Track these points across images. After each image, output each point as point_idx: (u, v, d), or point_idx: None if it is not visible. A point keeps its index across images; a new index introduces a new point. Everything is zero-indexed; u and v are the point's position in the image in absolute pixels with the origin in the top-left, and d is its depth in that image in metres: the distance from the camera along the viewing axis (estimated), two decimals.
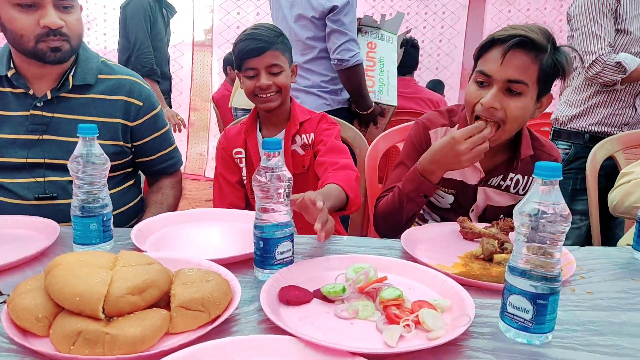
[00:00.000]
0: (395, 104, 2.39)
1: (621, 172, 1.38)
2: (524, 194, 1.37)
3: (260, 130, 1.54)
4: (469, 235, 1.12)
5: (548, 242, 0.66)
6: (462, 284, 0.83)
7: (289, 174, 0.84)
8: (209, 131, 5.39)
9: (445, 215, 1.39)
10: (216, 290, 0.74)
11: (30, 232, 1.09)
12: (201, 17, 5.19)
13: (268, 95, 1.43)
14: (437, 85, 4.64)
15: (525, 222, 0.67)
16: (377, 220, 1.33)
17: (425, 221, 1.46)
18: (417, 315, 0.72)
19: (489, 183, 1.33)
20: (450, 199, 1.36)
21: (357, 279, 0.82)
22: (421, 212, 1.44)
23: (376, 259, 0.94)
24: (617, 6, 1.81)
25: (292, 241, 0.90)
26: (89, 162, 0.95)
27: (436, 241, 1.11)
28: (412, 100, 2.85)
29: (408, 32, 2.93)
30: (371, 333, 0.72)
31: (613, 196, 1.34)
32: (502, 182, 1.34)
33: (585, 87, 1.93)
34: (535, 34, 1.11)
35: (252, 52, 1.39)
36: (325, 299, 0.81)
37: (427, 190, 1.20)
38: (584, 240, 1.91)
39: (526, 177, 1.34)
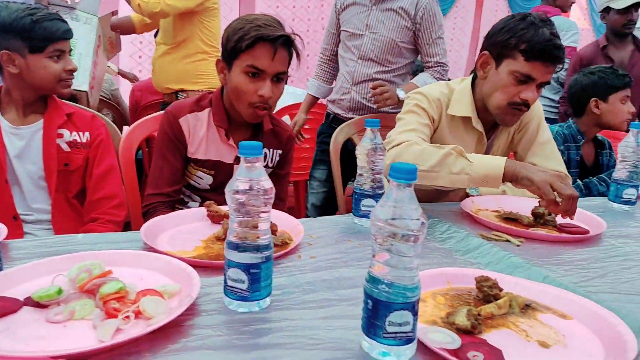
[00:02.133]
0: (86, 88, 2.30)
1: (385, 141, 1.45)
2: (272, 167, 1.50)
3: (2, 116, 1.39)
4: (215, 218, 1.15)
5: (254, 215, 0.72)
6: (197, 266, 0.85)
7: None
8: None
9: (205, 196, 1.42)
10: None
11: None
12: None
13: (70, 80, 1.42)
14: None
15: (234, 199, 0.72)
16: None
17: (186, 204, 1.46)
18: (138, 305, 0.70)
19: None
20: (209, 179, 1.42)
21: (77, 278, 0.76)
22: (182, 195, 1.45)
23: (108, 254, 0.88)
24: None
25: None
26: None
27: (182, 228, 1.10)
28: None
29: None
30: (86, 332, 0.67)
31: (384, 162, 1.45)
32: None
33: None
34: (285, 29, 1.31)
35: (65, 33, 1.38)
36: (38, 305, 0.72)
37: None
38: (324, 204, 2.19)
39: (271, 150, 1.50)
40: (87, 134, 1.44)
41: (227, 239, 0.74)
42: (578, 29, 3.36)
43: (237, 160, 1.42)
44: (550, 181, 1.14)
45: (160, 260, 0.87)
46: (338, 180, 1.88)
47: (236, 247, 0.73)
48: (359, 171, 1.19)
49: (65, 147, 1.40)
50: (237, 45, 1.26)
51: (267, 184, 0.73)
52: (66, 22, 1.40)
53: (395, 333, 0.62)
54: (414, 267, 0.63)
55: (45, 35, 1.32)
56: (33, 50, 1.32)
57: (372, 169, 1.15)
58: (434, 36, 2.06)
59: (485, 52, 1.40)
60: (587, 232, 1.18)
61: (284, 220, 1.12)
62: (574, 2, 3.39)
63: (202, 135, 1.40)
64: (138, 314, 0.70)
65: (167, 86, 2.46)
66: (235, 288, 0.74)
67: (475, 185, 1.25)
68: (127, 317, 0.69)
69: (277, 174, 1.54)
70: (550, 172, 1.19)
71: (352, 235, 1.13)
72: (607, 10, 2.99)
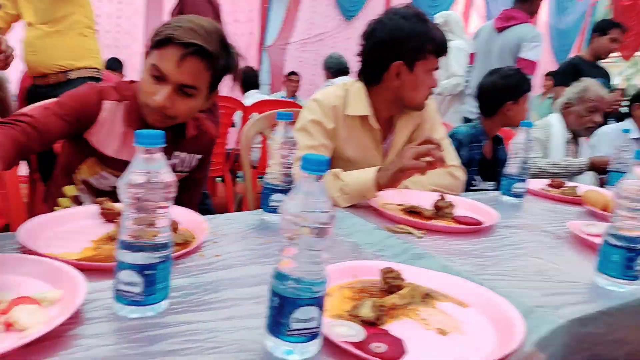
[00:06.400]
0: None
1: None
2: (189, 172, 1.43)
3: None
4: (109, 216, 1.05)
5: (151, 211, 0.66)
6: (85, 269, 0.76)
7: None
8: None
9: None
10: None
11: None
12: None
13: None
14: (114, 64, 4.42)
15: (129, 193, 0.65)
16: None
17: (80, 203, 1.34)
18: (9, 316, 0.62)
19: None
20: (113, 181, 1.30)
21: None
22: (77, 193, 1.32)
23: None
24: None
25: None
26: None
27: (69, 227, 1.00)
28: None
29: None
30: None
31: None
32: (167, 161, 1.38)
33: None
34: (212, 43, 1.17)
35: None
36: None
37: None
38: None
39: (190, 155, 1.42)
40: None
41: (120, 238, 0.68)
42: (541, 41, 3.08)
43: None
44: (404, 160, 1.28)
45: (40, 264, 0.77)
46: (248, 176, 1.83)
47: (129, 247, 0.67)
48: (269, 165, 1.16)
49: None
50: (151, 39, 1.18)
51: (168, 177, 0.67)
52: None
53: (300, 330, 0.60)
54: (322, 261, 0.61)
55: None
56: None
57: (283, 163, 1.13)
58: None
59: (398, 61, 1.46)
60: (481, 223, 1.25)
61: (186, 218, 1.06)
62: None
63: (119, 131, 1.27)
64: (9, 326, 0.61)
65: (58, 63, 2.31)
66: (127, 292, 0.68)
67: (354, 201, 1.35)
68: None
69: (192, 178, 1.47)
70: (400, 156, 1.31)
71: (260, 231, 1.10)
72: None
